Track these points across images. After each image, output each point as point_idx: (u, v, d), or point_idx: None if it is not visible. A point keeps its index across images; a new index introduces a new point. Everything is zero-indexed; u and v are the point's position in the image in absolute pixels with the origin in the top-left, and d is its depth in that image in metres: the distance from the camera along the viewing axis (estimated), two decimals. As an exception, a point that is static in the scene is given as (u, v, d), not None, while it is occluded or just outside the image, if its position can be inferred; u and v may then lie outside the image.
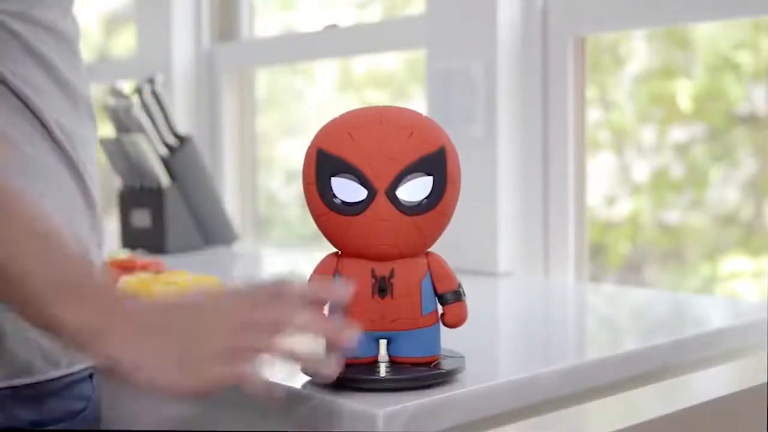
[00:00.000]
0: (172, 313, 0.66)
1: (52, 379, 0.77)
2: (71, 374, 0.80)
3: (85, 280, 0.64)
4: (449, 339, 0.83)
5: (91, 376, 0.84)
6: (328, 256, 0.79)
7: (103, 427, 0.88)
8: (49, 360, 0.77)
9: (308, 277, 0.79)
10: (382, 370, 0.78)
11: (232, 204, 2.10)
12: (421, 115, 0.78)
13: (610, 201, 2.06)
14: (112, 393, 1.02)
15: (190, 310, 0.66)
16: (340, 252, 0.79)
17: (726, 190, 1.92)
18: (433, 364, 0.79)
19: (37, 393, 0.76)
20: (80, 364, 0.80)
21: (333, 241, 0.78)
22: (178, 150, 1.76)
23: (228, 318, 0.66)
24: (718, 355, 1.05)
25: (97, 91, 2.58)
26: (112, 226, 1.82)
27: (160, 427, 0.99)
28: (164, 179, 1.71)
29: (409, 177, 0.75)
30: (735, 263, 1.93)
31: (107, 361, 0.64)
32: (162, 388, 0.64)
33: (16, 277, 0.60)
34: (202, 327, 0.65)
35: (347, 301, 0.72)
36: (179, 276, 1.20)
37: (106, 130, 1.82)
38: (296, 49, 2.02)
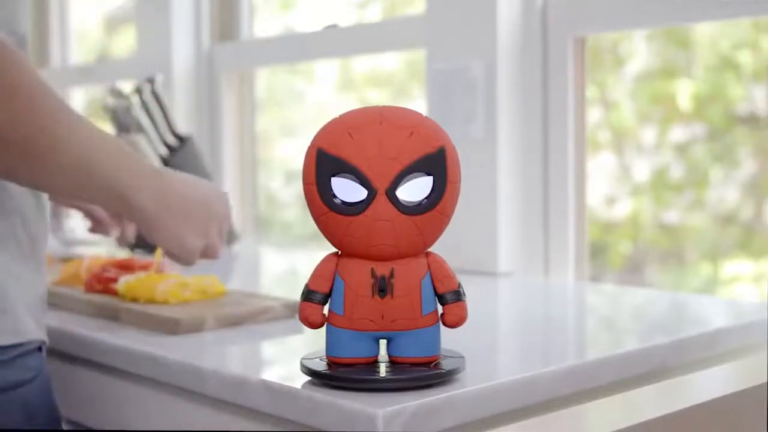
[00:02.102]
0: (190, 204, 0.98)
1: (2, 348, 0.84)
2: (19, 345, 0.86)
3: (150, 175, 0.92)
4: (449, 339, 0.83)
5: (39, 349, 0.90)
6: (328, 256, 0.79)
7: (55, 398, 0.94)
8: None
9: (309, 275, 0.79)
10: (382, 370, 0.78)
11: (232, 204, 2.10)
12: (421, 115, 0.78)
13: (610, 201, 2.05)
14: (102, 379, 1.03)
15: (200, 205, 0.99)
16: (340, 252, 0.79)
17: (726, 190, 1.92)
18: (433, 364, 0.79)
19: None
20: (26, 336, 0.87)
21: (333, 241, 0.78)
22: (178, 150, 1.76)
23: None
24: (718, 355, 1.05)
25: (97, 91, 2.59)
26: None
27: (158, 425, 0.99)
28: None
29: (409, 177, 0.75)
30: (735, 267, 1.93)
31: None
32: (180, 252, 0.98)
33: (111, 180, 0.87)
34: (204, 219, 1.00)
35: None
36: (179, 276, 1.20)
37: (106, 130, 1.82)
38: (296, 49, 2.02)
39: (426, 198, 0.76)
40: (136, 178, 0.89)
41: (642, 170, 2.03)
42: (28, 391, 0.88)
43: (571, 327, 1.18)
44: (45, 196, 0.92)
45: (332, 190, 0.76)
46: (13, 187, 0.87)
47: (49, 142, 0.80)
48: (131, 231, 1.20)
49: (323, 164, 0.76)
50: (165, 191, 0.93)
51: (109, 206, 0.95)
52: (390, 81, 2.25)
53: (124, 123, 1.73)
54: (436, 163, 0.76)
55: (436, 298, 0.79)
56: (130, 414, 1.03)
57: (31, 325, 0.88)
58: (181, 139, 1.78)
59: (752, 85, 1.87)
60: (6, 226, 0.86)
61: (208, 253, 1.02)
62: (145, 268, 1.23)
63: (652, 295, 1.41)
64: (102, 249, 1.77)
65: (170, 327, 1.03)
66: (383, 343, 0.79)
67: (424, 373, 0.78)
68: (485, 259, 1.48)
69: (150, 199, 0.91)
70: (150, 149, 1.70)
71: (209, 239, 1.01)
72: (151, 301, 1.12)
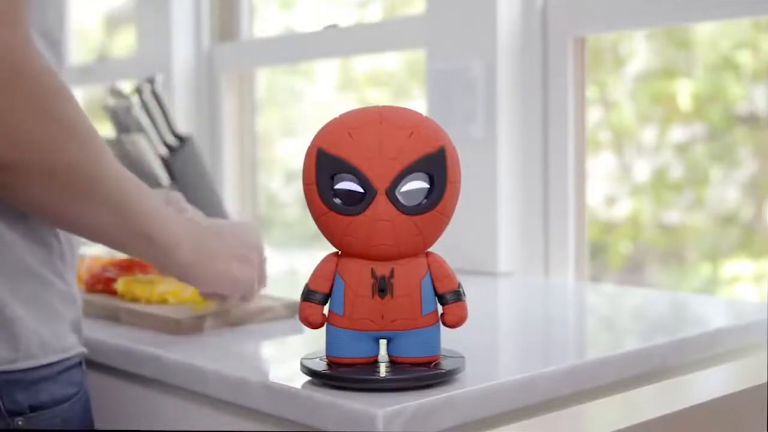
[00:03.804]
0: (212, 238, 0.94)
1: (48, 365, 0.84)
2: (64, 360, 0.86)
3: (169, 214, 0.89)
4: (449, 339, 0.83)
5: (80, 363, 0.90)
6: (328, 256, 0.79)
7: (93, 412, 0.93)
8: (46, 347, 0.84)
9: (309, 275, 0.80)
10: (382, 370, 0.78)
11: (232, 204, 2.10)
12: (421, 115, 0.78)
13: (610, 201, 2.06)
14: (102, 379, 1.02)
15: (221, 237, 0.95)
16: (340, 252, 0.79)
17: (726, 190, 1.92)
18: (433, 364, 0.79)
19: (34, 378, 0.83)
20: (72, 351, 0.87)
21: (333, 241, 0.78)
22: (178, 150, 1.76)
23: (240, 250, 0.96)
24: (718, 355, 1.05)
25: (97, 91, 2.59)
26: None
27: (156, 423, 0.99)
28: (164, 179, 1.71)
29: (409, 177, 0.75)
30: (736, 267, 1.93)
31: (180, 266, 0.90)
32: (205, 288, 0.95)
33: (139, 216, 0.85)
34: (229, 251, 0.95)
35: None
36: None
37: (106, 130, 1.82)
38: (296, 49, 2.02)
39: (426, 198, 0.76)
40: (167, 221, 0.86)
41: (642, 170, 2.03)
42: (70, 408, 0.87)
43: (571, 327, 1.18)
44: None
45: (332, 190, 0.76)
46: None
47: (90, 171, 0.78)
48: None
49: (323, 164, 0.76)
50: (198, 234, 0.91)
51: (141, 253, 0.89)
52: (390, 81, 2.25)
53: (124, 123, 1.73)
54: (436, 163, 0.76)
55: (436, 298, 0.79)
56: (130, 414, 1.03)
57: (74, 339, 0.89)
58: (181, 139, 1.78)
59: (752, 85, 1.87)
60: (56, 243, 0.86)
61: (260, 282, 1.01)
62: (144, 268, 1.23)
63: (652, 295, 1.41)
64: (102, 249, 1.77)
65: (170, 327, 1.03)
66: (383, 343, 0.79)
67: (424, 373, 0.78)
68: (485, 259, 1.48)
69: (186, 244, 0.88)
70: (150, 149, 1.70)
71: (255, 268, 0.97)
72: (151, 301, 1.12)
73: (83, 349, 0.90)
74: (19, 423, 0.82)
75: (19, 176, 0.75)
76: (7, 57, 0.71)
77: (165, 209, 0.88)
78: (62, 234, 0.87)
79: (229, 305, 1.01)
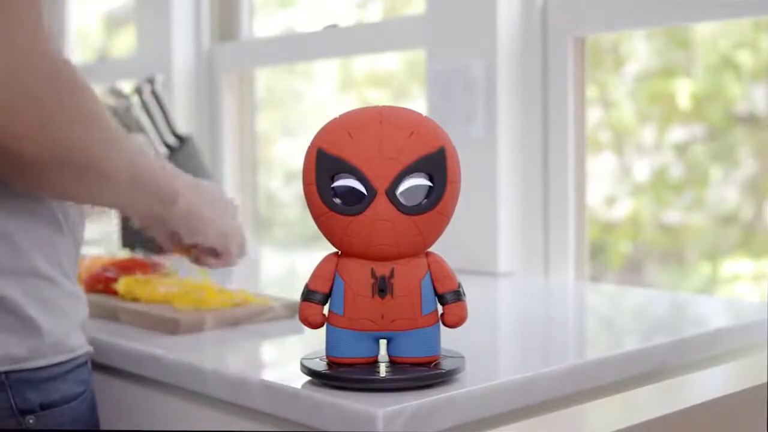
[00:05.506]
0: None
1: (58, 363, 0.86)
2: (73, 359, 0.87)
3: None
4: (449, 339, 0.83)
5: (86, 362, 0.91)
6: (328, 256, 0.79)
7: (99, 409, 0.94)
8: (57, 347, 0.85)
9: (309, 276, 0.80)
10: (382, 370, 0.78)
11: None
12: (421, 115, 0.78)
13: (610, 201, 2.06)
14: (102, 379, 1.02)
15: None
16: (340, 252, 0.79)
17: (726, 190, 1.92)
18: (433, 364, 0.79)
19: (45, 377, 0.85)
20: (80, 350, 0.88)
21: (333, 241, 0.78)
22: (178, 150, 1.76)
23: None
24: (718, 355, 1.05)
25: (97, 91, 2.58)
26: (112, 226, 1.81)
27: (156, 422, 0.99)
28: (164, 179, 1.70)
29: (409, 177, 0.75)
30: (736, 266, 1.93)
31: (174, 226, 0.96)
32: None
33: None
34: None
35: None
36: (178, 276, 1.20)
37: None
38: (296, 49, 2.02)
39: (426, 198, 0.76)
40: (169, 176, 0.92)
41: (642, 170, 2.03)
42: (78, 406, 0.88)
43: (571, 327, 1.18)
44: (85, 207, 0.93)
45: (332, 190, 0.76)
46: (70, 205, 0.88)
47: (114, 159, 0.82)
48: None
49: (323, 164, 0.76)
50: (190, 187, 0.96)
51: (148, 208, 0.94)
52: (390, 81, 2.25)
53: (124, 123, 1.73)
54: (436, 163, 0.76)
55: (436, 298, 0.79)
56: (130, 414, 1.03)
57: (81, 339, 0.90)
58: (181, 139, 1.78)
59: (752, 85, 1.87)
60: (64, 244, 0.87)
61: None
62: (144, 268, 1.23)
63: (652, 295, 1.41)
64: (102, 249, 1.77)
65: (170, 327, 1.03)
66: (383, 343, 0.79)
67: (424, 373, 0.78)
68: (485, 259, 1.48)
69: (188, 197, 0.94)
70: (150, 149, 1.70)
71: (237, 220, 1.03)
72: (152, 301, 1.12)
73: (90, 348, 0.91)
74: (30, 421, 0.84)
75: (58, 173, 0.78)
76: (47, 66, 0.75)
77: (167, 166, 0.93)
78: (67, 232, 0.87)
79: (227, 262, 1.05)
